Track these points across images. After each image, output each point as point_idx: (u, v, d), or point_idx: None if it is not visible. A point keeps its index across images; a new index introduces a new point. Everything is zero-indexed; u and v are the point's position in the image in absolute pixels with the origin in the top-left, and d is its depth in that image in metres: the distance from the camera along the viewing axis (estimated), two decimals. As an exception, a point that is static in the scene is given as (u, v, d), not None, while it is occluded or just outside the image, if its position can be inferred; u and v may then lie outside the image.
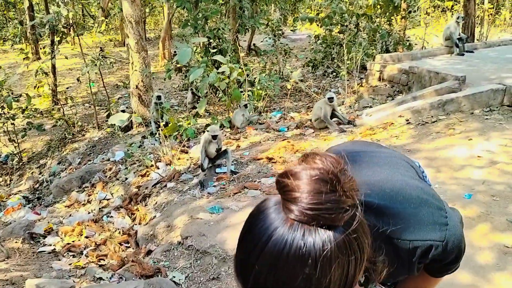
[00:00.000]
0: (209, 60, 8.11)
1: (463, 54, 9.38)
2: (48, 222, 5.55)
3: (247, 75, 9.49)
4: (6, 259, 4.37)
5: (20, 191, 8.35)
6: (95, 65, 9.20)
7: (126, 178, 6.66)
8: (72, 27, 10.48)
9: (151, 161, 6.54)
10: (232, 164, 5.83)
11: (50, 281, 3.53)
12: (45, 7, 13.34)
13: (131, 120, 8.83)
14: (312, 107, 8.89)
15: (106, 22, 15.16)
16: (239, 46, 11.71)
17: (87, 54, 10.50)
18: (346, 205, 0.75)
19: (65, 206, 6.65)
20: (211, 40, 10.28)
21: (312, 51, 13.81)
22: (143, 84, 9.15)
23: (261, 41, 15.26)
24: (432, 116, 6.35)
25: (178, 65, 9.22)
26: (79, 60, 15.19)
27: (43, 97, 12.78)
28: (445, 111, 6.39)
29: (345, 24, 12.36)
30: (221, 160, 5.89)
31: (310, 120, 7.41)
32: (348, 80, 9.25)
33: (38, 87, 11.03)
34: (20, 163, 9.92)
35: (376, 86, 8.73)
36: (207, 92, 7.94)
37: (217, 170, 5.88)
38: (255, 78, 8.85)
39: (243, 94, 8.41)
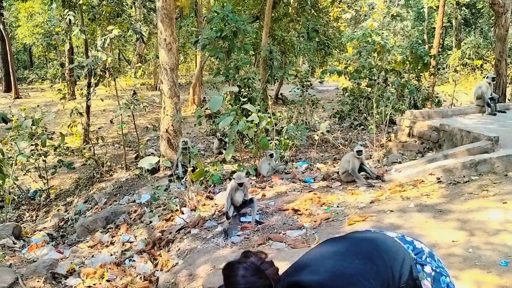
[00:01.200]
0: (239, 108, 8.26)
1: (495, 114, 9.26)
2: (71, 263, 5.54)
3: (275, 124, 9.59)
4: (27, 299, 4.35)
5: (45, 227, 8.42)
6: (129, 108, 9.49)
7: (151, 222, 6.66)
8: (108, 71, 10.94)
9: (176, 205, 6.55)
10: (257, 214, 5.77)
11: (70, 326, 3.46)
12: (85, 51, 14.04)
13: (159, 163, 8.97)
14: (338, 159, 8.85)
15: (142, 68, 15.76)
16: (268, 95, 11.93)
17: (121, 96, 10.87)
18: (263, 286, 1.19)
19: (88, 246, 6.66)
20: (242, 89, 10.52)
21: (339, 102, 13.92)
22: (173, 129, 9.34)
23: (289, 91, 15.51)
24: (464, 176, 6.19)
25: (209, 112, 9.41)
26: (113, 101, 15.72)
27: (75, 136, 13.17)
28: (478, 171, 6.23)
29: (373, 78, 12.50)
30: (246, 209, 5.84)
31: (337, 173, 7.34)
32: (375, 134, 9.22)
33: (72, 126, 11.39)
34: (48, 200, 10.09)
35: (405, 141, 8.65)
36: (234, 139, 8.03)
37: (242, 219, 5.82)
38: (282, 127, 8.93)
39: (270, 143, 8.46)
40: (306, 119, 12.83)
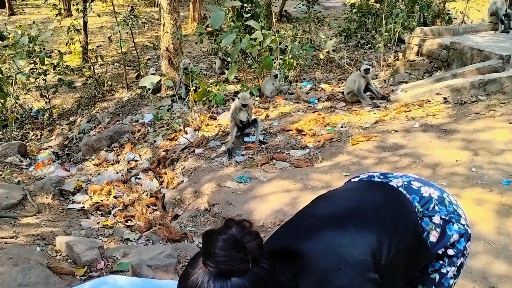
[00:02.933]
0: (242, 25, 7.89)
1: (508, 32, 8.88)
2: (78, 180, 5.65)
3: (279, 42, 9.25)
4: (37, 214, 4.47)
5: (50, 146, 8.50)
6: (127, 24, 9.12)
7: (155, 141, 6.68)
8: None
9: (180, 125, 6.53)
10: (260, 134, 5.77)
11: (80, 239, 3.59)
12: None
13: (160, 83, 8.82)
14: (344, 79, 8.67)
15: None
16: (273, 12, 11.40)
17: (118, 13, 10.41)
18: (242, 260, 1.11)
19: (94, 165, 6.76)
20: (244, 5, 10.01)
21: (346, 20, 13.35)
22: (173, 47, 9.04)
23: (294, 8, 14.82)
24: (471, 96, 6.08)
25: (210, 29, 9.05)
26: (110, 18, 15.13)
27: (74, 54, 12.84)
28: (486, 91, 6.11)
29: (383, -7, 11.85)
30: (250, 129, 5.82)
31: (342, 93, 7.22)
32: (383, 53, 8.92)
33: (70, 44, 11.05)
34: (51, 119, 10.09)
35: (413, 60, 8.40)
36: (237, 58, 7.80)
37: (246, 139, 5.83)
38: (286, 46, 8.62)
39: (274, 62, 8.23)
40: (311, 38, 12.38)
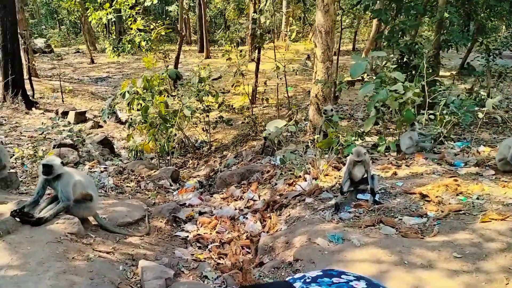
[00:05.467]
0: (386, 76, 7.46)
1: None
2: (192, 210, 6.05)
3: (444, 97, 8.45)
4: (144, 236, 4.93)
5: (198, 175, 9.35)
6: (292, 70, 9.60)
7: (276, 184, 6.75)
8: (269, 33, 11.24)
9: (301, 171, 6.46)
10: (377, 193, 5.28)
11: (154, 266, 3.81)
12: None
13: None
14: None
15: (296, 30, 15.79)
16: (440, 64, 10.54)
17: (292, 59, 11.03)
18: None
19: (221, 198, 7.16)
20: (405, 55, 9.54)
21: (539, 75, 11.48)
22: (322, 94, 9.12)
23: (471, 60, 13.47)
24: None
25: (352, 79, 8.87)
26: (288, 63, 16.23)
27: (244, 95, 14.09)
28: None
29: None
30: (366, 186, 5.39)
31: (495, 159, 6.12)
32: None
33: (235, 86, 12.20)
34: (209, 151, 11.15)
35: None
36: (379, 110, 7.41)
37: (359, 195, 5.41)
38: (439, 100, 7.81)
39: (423, 117, 7.54)
40: (486, 93, 10.95)
